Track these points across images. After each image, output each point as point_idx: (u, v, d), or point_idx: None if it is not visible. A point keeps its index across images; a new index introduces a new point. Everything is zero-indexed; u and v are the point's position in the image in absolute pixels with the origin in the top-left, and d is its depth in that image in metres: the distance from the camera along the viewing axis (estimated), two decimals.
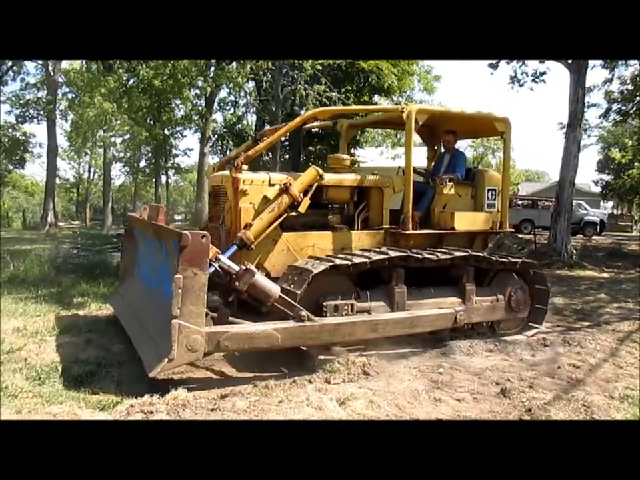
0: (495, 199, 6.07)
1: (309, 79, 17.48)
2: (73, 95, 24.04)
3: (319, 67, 17.18)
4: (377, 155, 21.31)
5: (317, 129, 21.00)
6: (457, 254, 5.17)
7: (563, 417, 3.56)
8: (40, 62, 26.47)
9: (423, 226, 5.69)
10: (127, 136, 22.51)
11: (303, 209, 4.90)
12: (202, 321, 3.73)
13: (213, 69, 19.02)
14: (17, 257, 9.55)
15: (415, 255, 4.97)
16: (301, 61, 16.75)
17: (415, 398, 3.92)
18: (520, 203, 25.80)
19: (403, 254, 4.94)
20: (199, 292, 3.68)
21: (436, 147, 7.06)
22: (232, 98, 23.79)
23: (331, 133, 20.88)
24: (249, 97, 20.78)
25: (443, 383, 4.25)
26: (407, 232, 5.42)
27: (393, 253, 4.90)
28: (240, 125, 22.24)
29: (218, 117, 25.56)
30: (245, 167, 4.90)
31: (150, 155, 33.34)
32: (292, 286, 4.45)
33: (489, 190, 6.05)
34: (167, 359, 3.57)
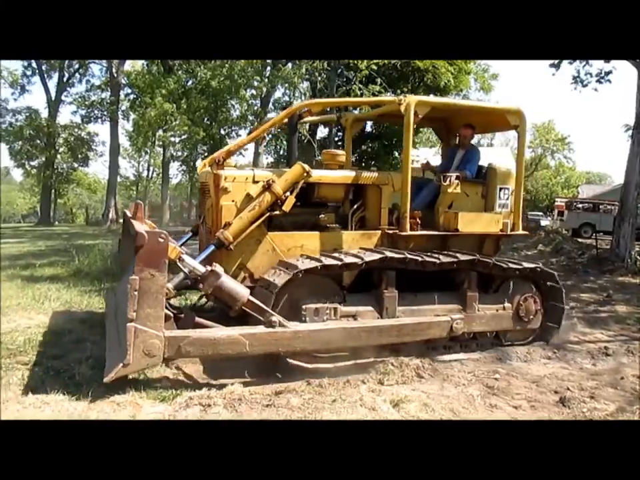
0: (507, 198, 5.60)
1: (364, 79, 17.44)
2: (135, 96, 24.96)
3: (374, 67, 17.12)
4: (431, 156, 21.03)
5: (371, 128, 20.96)
6: (444, 259, 4.76)
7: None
8: (104, 64, 27.59)
9: (429, 227, 5.25)
10: (185, 135, 23.08)
11: (287, 207, 4.60)
12: (160, 325, 3.54)
13: (269, 69, 19.30)
14: (81, 251, 10.01)
15: (395, 256, 4.57)
16: (356, 61, 16.73)
17: (470, 403, 3.87)
18: (580, 206, 24.93)
19: (380, 256, 4.52)
20: (157, 294, 3.49)
21: (451, 142, 6.58)
22: (287, 98, 24.04)
23: (385, 132, 20.80)
24: (303, 97, 20.93)
25: (499, 389, 4.16)
26: (405, 233, 4.98)
27: (367, 256, 4.50)
28: None
29: (273, 116, 25.88)
30: (233, 162, 4.59)
31: (206, 154, 34.11)
32: (261, 301, 4.11)
33: (501, 189, 5.57)
34: (121, 364, 3.43)
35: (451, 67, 19.13)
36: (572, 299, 7.90)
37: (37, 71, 28.98)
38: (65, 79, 29.59)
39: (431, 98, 5.37)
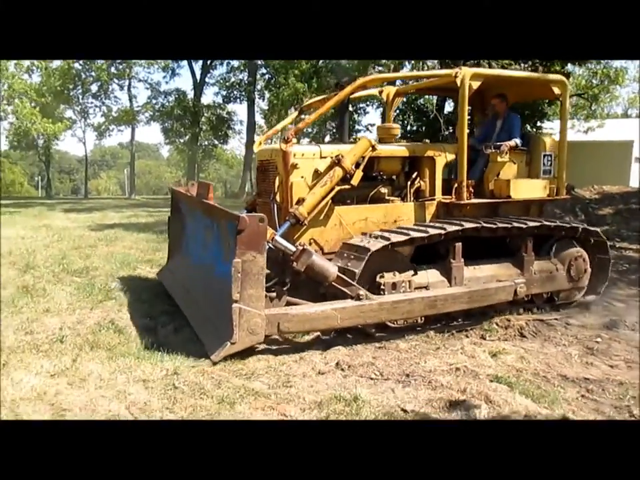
0: (551, 165, 5.76)
1: None
2: (270, 76, 26.42)
3: None
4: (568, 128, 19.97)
5: None
6: (531, 224, 5.05)
7: None
8: None
9: (474, 195, 5.44)
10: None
11: (355, 181, 4.75)
12: (262, 304, 3.79)
13: None
14: None
15: (489, 226, 4.85)
16: None
17: (567, 360, 4.16)
18: None
19: (476, 225, 4.79)
20: (258, 275, 3.72)
21: (487, 112, 6.59)
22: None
23: (516, 105, 19.96)
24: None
25: (599, 351, 4.37)
26: (462, 202, 5.21)
27: (449, 227, 4.70)
28: (422, 100, 22.40)
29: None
30: (294, 139, 4.71)
31: (334, 130, 35.10)
32: (349, 265, 4.37)
33: (544, 156, 5.73)
34: (229, 343, 3.67)
35: None
36: None
37: None
38: (208, 62, 31.94)
39: (485, 70, 5.55)
